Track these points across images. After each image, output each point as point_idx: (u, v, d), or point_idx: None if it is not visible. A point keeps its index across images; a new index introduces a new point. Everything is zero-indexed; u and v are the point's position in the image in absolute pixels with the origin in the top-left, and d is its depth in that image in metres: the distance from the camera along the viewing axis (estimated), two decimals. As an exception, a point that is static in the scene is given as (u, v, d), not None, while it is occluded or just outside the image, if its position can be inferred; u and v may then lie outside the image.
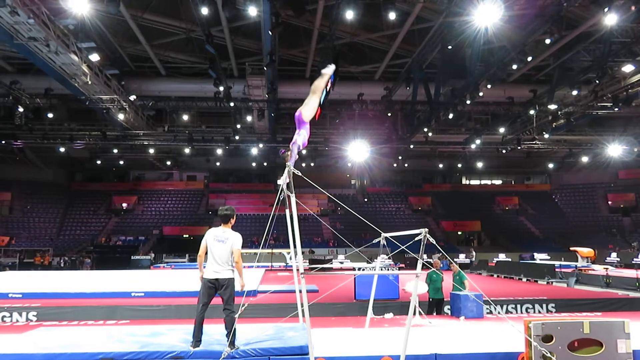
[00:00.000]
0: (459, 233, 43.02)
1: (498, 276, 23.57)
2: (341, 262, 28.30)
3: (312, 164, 34.69)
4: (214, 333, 6.49)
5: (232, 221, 6.29)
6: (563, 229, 41.45)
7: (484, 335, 7.60)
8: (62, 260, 32.45)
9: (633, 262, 27.13)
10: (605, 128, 33.34)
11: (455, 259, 26.04)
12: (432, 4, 19.68)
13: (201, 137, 31.47)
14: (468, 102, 23.67)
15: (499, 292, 15.05)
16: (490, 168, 44.45)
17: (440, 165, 43.38)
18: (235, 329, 5.92)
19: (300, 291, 6.15)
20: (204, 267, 6.15)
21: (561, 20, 17.40)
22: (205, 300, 6.03)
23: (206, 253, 6.17)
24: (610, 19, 16.39)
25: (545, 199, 47.29)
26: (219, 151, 34.50)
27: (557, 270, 20.68)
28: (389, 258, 25.31)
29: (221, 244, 6.05)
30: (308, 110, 6.82)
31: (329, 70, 7.09)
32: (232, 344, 5.89)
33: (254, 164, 40.34)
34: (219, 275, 6.00)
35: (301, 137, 6.74)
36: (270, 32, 17.32)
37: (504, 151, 33.85)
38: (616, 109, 24.84)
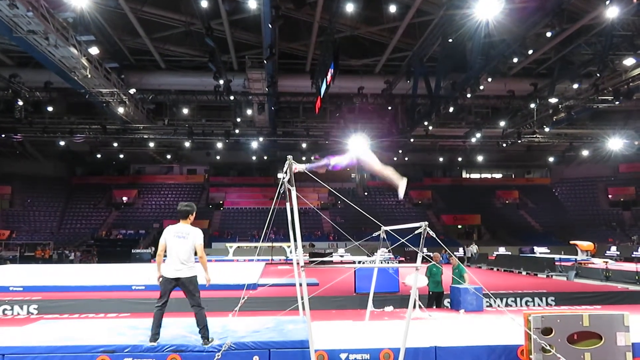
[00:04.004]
0: (459, 227, 43.06)
1: (498, 270, 23.62)
2: (341, 256, 28.35)
3: (312, 158, 34.64)
4: (215, 325, 6.49)
5: (192, 217, 6.13)
6: (563, 223, 41.48)
7: (483, 328, 7.63)
8: (64, 254, 32.51)
9: (633, 255, 27.24)
10: (606, 122, 33.27)
11: (455, 253, 26.10)
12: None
13: (201, 131, 31.44)
14: (469, 95, 23.59)
15: (499, 286, 15.09)
16: (490, 162, 44.45)
17: (441, 159, 43.36)
18: (206, 323, 5.90)
19: (301, 284, 6.17)
20: (166, 264, 5.98)
21: (562, 13, 17.29)
22: (166, 298, 5.91)
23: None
24: (612, 12, 16.29)
25: (546, 193, 47.30)
26: (219, 145, 34.48)
27: (556, 263, 20.71)
28: (389, 251, 25.44)
29: (182, 240, 5.89)
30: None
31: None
32: (206, 338, 5.87)
33: (254, 158, 40.31)
34: (180, 273, 5.85)
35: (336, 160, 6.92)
36: (270, 25, 17.23)
37: (504, 145, 33.80)
38: (617, 103, 24.74)
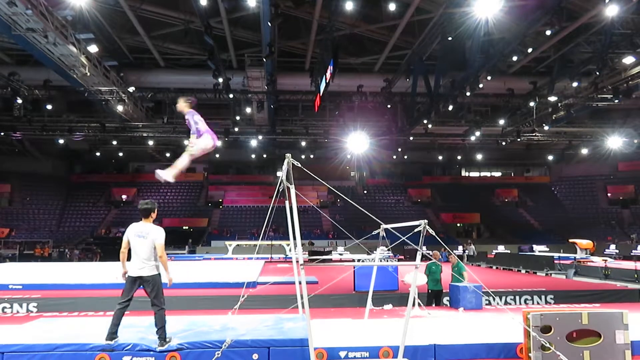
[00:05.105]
0: (458, 225, 43.10)
1: (497, 268, 23.64)
2: (341, 254, 28.36)
3: (311, 156, 34.64)
4: (214, 323, 6.49)
5: (153, 215, 6.05)
6: (562, 221, 41.49)
7: (482, 326, 7.64)
8: (65, 252, 32.51)
9: (632, 253, 27.20)
10: (605, 120, 33.28)
11: (454, 251, 26.10)
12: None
13: (200, 129, 31.34)
14: (468, 93, 23.59)
15: (498, 284, 15.10)
16: (489, 160, 44.45)
17: (440, 157, 43.37)
18: (165, 324, 5.86)
19: (300, 283, 6.17)
20: (130, 262, 5.95)
21: (562, 12, 17.31)
22: (128, 296, 5.90)
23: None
24: (611, 10, 16.31)
25: (545, 191, 47.33)
26: (218, 143, 34.43)
27: (556, 262, 20.73)
28: (389, 250, 25.44)
29: (142, 240, 5.86)
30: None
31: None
32: (163, 339, 5.82)
33: (253, 156, 40.29)
34: (142, 272, 5.84)
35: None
36: (269, 24, 17.21)
37: (503, 143, 33.82)
38: (616, 101, 24.76)
